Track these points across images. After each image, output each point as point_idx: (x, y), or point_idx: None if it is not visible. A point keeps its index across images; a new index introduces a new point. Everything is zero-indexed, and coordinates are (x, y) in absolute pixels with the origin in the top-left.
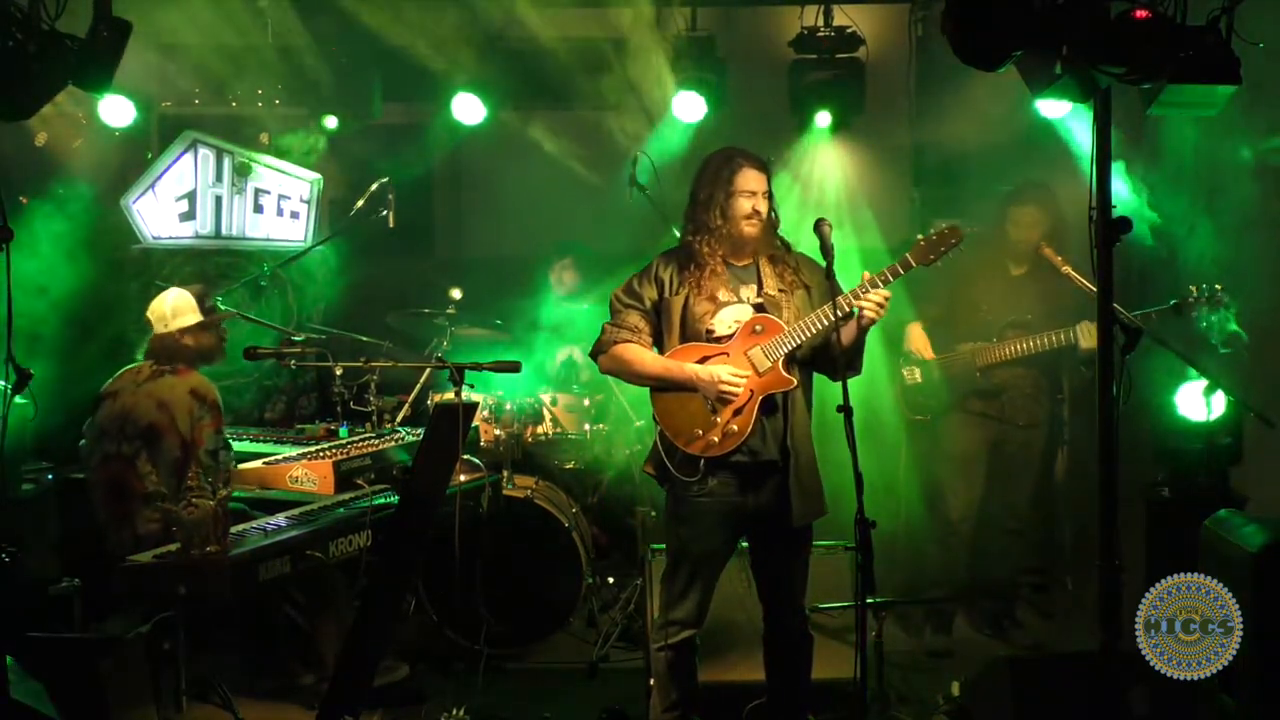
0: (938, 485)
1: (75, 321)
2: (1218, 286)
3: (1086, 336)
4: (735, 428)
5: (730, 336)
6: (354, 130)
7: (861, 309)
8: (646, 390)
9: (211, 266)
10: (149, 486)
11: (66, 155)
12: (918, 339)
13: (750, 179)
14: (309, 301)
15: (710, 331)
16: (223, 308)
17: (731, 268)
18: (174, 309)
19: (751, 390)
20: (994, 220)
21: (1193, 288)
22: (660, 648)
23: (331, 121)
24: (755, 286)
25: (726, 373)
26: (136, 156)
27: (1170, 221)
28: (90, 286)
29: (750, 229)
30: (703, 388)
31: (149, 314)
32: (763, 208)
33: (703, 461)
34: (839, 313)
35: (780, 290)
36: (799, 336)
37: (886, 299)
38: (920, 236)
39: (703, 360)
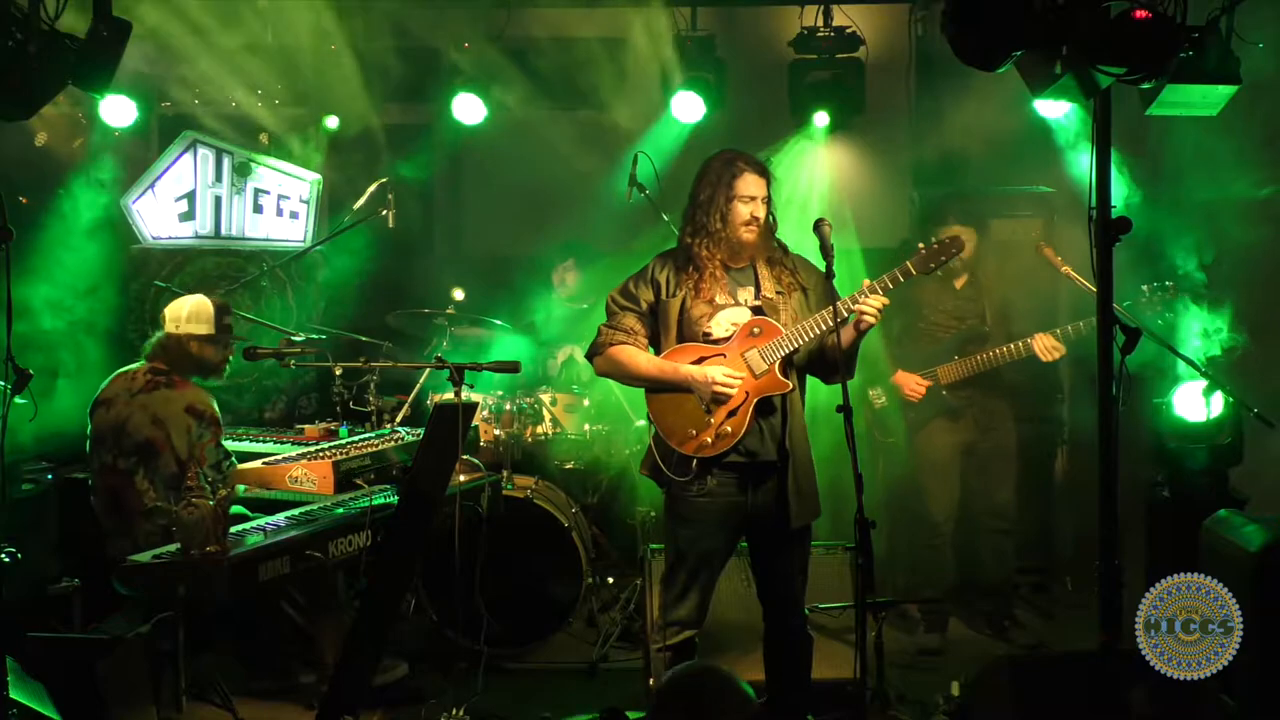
0: (918, 490)
1: (74, 321)
2: (1169, 283)
3: (1044, 351)
4: (729, 429)
5: (727, 339)
6: (354, 130)
7: (860, 314)
8: (643, 390)
9: (211, 266)
10: (148, 503)
11: (66, 155)
12: (901, 378)
13: (750, 184)
14: (309, 301)
15: (707, 334)
16: (243, 330)
17: (729, 271)
18: (191, 313)
19: (747, 392)
20: (924, 240)
21: (1145, 287)
22: (660, 648)
23: (332, 121)
24: (753, 289)
25: (721, 373)
26: (136, 156)
27: (1168, 220)
28: (90, 287)
29: (749, 235)
30: (697, 388)
31: (165, 311)
32: (761, 213)
33: (695, 462)
34: (837, 317)
35: (778, 293)
36: (796, 340)
37: (884, 305)
38: (921, 245)
39: (699, 361)
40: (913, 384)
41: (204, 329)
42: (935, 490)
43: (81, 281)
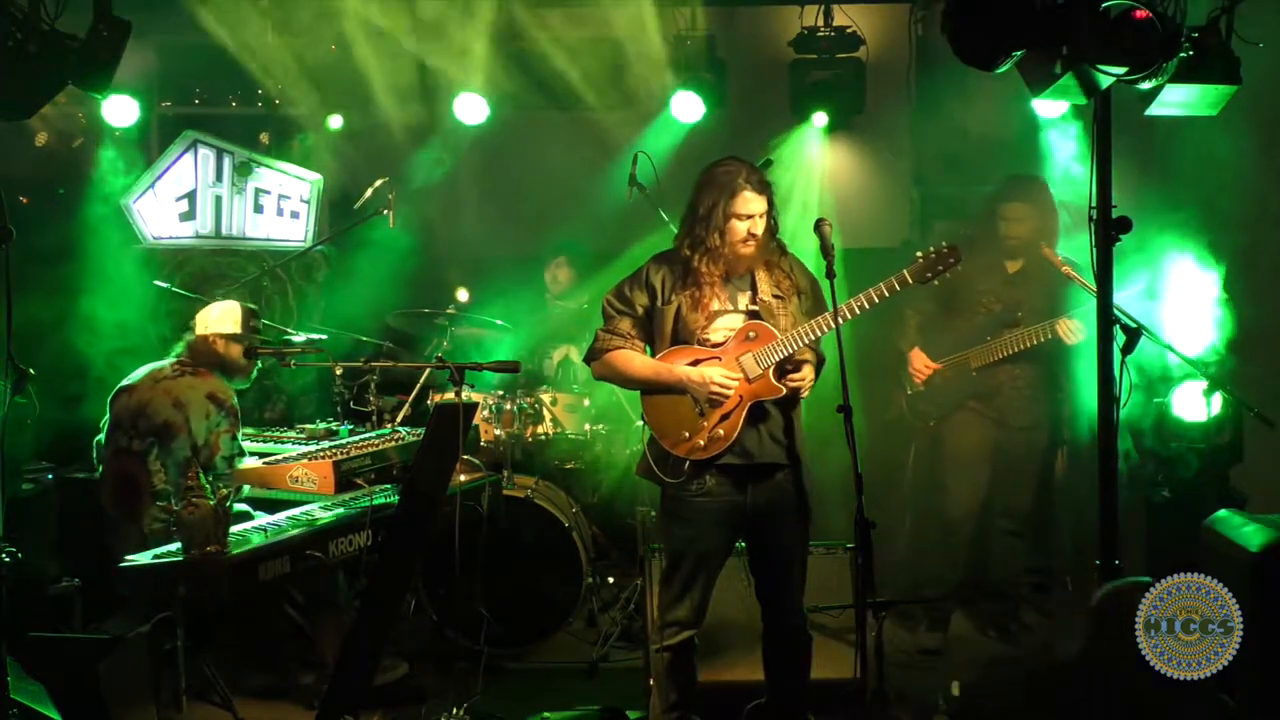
0: (940, 485)
1: (74, 321)
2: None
3: (1067, 333)
4: (721, 432)
5: (723, 344)
6: (355, 130)
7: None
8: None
9: (211, 266)
10: (158, 484)
11: (66, 155)
12: (914, 355)
13: (749, 202)
14: (309, 301)
15: (704, 341)
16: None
17: (728, 281)
18: (219, 316)
19: (740, 396)
20: (984, 217)
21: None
22: (659, 649)
23: (334, 121)
24: (750, 293)
25: (719, 374)
26: (137, 156)
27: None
28: (89, 287)
29: (747, 250)
30: (693, 389)
31: (195, 316)
32: (760, 229)
33: (688, 464)
34: (836, 323)
35: (775, 296)
36: (791, 345)
37: (812, 382)
38: (919, 253)
39: (694, 363)
40: (920, 364)
41: (230, 328)
42: (957, 488)
43: (81, 282)
